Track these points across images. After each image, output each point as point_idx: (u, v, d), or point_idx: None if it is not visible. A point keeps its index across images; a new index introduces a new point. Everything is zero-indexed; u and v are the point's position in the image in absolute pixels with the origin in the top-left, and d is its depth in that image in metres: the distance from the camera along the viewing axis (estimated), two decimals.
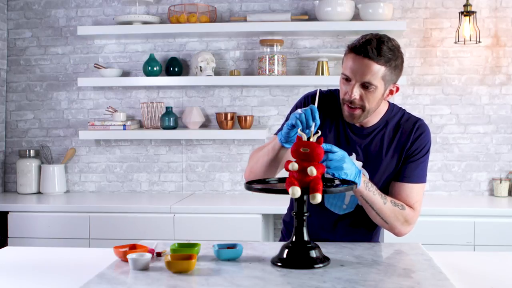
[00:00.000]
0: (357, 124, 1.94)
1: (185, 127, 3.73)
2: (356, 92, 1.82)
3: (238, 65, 3.77)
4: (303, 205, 1.66)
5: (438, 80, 3.67)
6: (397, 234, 1.95)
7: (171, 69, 3.69)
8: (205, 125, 3.78)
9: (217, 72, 3.74)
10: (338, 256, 1.75)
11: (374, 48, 1.77)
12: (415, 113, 3.66)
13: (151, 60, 3.67)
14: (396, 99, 3.67)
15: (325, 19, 3.51)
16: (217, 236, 3.15)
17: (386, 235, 3.14)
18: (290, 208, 2.14)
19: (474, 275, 1.76)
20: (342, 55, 3.81)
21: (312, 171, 1.54)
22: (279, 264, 1.64)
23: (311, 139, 1.61)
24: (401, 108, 2.01)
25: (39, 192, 3.79)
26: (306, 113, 1.67)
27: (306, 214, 1.66)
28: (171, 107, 3.69)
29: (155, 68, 3.66)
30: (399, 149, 1.93)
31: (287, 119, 1.95)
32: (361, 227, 2.01)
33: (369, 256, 1.78)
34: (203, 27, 3.57)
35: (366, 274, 1.60)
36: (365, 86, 1.81)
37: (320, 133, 1.64)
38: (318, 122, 1.67)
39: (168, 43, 3.81)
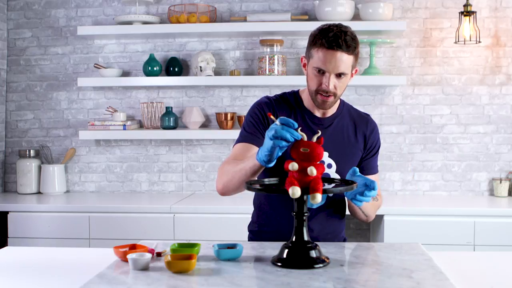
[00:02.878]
0: (318, 115, 2.03)
1: (185, 127, 3.73)
2: (332, 83, 1.90)
3: (238, 65, 3.77)
4: (303, 205, 1.66)
5: (438, 80, 3.67)
6: (368, 222, 2.11)
7: (171, 69, 3.69)
8: (205, 125, 3.78)
9: (217, 72, 3.74)
10: (338, 256, 1.75)
11: (343, 40, 1.86)
12: (415, 113, 3.69)
13: (151, 60, 3.67)
14: (396, 99, 3.68)
15: (325, 19, 3.51)
16: (217, 236, 3.15)
17: (386, 235, 3.14)
18: (259, 216, 2.15)
19: (474, 275, 1.76)
20: None
21: (312, 171, 1.54)
22: (279, 264, 1.64)
23: (313, 139, 1.61)
24: (347, 102, 2.15)
25: (39, 192, 3.79)
26: (284, 130, 1.62)
27: (306, 214, 1.66)
28: (171, 107, 3.69)
29: (155, 68, 3.66)
30: (361, 139, 2.07)
31: (244, 128, 2.01)
32: (334, 217, 2.09)
33: (369, 256, 1.78)
34: (203, 27, 3.57)
35: (366, 274, 1.60)
36: (339, 75, 1.90)
37: (320, 133, 1.64)
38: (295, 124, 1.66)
39: (168, 43, 3.81)
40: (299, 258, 1.63)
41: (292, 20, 3.59)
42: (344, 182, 1.74)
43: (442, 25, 3.65)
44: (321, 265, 1.63)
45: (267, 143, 1.65)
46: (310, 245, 1.66)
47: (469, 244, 3.10)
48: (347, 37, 1.86)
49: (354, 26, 3.49)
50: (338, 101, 2.07)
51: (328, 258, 1.68)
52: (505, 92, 3.64)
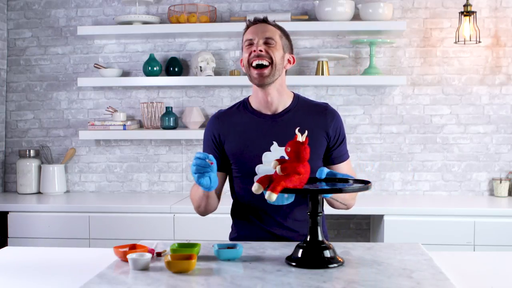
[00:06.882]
0: (268, 113, 2.05)
1: (185, 127, 3.73)
2: (261, 46, 1.97)
3: (238, 65, 3.77)
4: (317, 205, 1.67)
5: (438, 80, 3.67)
6: (348, 209, 2.10)
7: (171, 69, 3.69)
8: (205, 125, 3.77)
9: (217, 72, 3.74)
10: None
11: (265, 18, 2.05)
12: (415, 113, 3.69)
13: (151, 60, 3.67)
14: (396, 99, 3.68)
15: (325, 19, 3.51)
16: (217, 236, 3.15)
17: (386, 235, 3.14)
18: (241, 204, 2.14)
19: (474, 275, 1.76)
20: (342, 55, 3.80)
21: (279, 170, 1.58)
22: (294, 264, 1.65)
23: (301, 139, 1.64)
24: (303, 96, 2.16)
25: (39, 192, 3.79)
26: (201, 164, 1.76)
27: (320, 214, 1.67)
28: (171, 107, 3.69)
29: (155, 68, 3.66)
30: (322, 130, 2.03)
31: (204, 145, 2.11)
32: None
33: (369, 256, 1.78)
34: (203, 27, 3.57)
35: (366, 274, 1.60)
36: (267, 42, 1.98)
37: (306, 132, 1.66)
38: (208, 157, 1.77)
39: (168, 43, 3.81)
40: (313, 258, 1.64)
41: (292, 20, 3.59)
42: (358, 182, 1.73)
43: (442, 25, 3.65)
44: (335, 265, 1.64)
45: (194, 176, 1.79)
46: (324, 245, 1.67)
47: (469, 244, 3.10)
48: (268, 19, 2.03)
49: (354, 26, 3.53)
50: (292, 95, 2.10)
51: (342, 258, 1.69)
52: (505, 92, 3.64)
